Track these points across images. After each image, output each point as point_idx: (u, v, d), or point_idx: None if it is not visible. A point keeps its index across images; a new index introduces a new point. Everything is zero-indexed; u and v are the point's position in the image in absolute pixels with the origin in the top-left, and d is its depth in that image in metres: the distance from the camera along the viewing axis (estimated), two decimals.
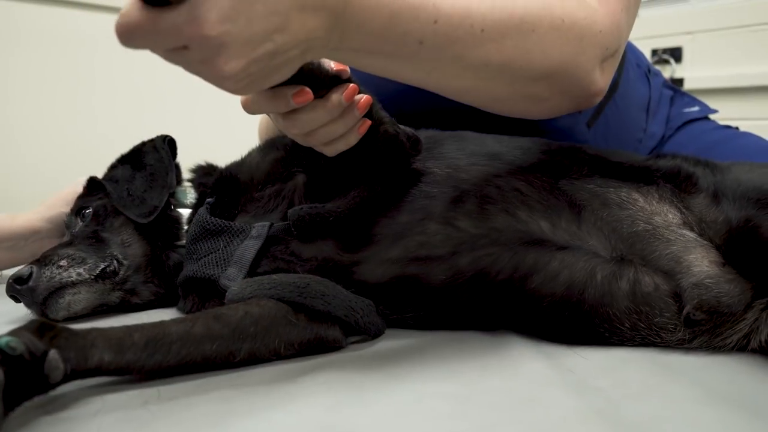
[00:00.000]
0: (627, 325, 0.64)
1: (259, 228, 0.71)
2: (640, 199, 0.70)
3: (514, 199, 0.69)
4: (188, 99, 2.04)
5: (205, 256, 0.73)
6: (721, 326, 0.63)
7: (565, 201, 0.69)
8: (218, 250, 0.72)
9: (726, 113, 1.41)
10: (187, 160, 0.91)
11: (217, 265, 0.71)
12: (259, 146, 0.83)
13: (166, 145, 0.86)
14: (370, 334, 0.67)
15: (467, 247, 0.67)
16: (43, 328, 0.52)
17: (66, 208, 0.87)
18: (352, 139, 0.65)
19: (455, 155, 0.75)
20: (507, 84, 0.66)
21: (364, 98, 0.62)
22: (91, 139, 1.95)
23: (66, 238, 0.82)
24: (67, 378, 0.51)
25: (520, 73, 0.65)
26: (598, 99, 0.73)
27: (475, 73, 0.63)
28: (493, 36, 0.61)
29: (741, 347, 0.63)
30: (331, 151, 0.66)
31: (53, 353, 0.50)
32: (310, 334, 0.63)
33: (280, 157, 0.78)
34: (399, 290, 0.69)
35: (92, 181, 0.88)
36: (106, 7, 1.94)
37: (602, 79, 0.72)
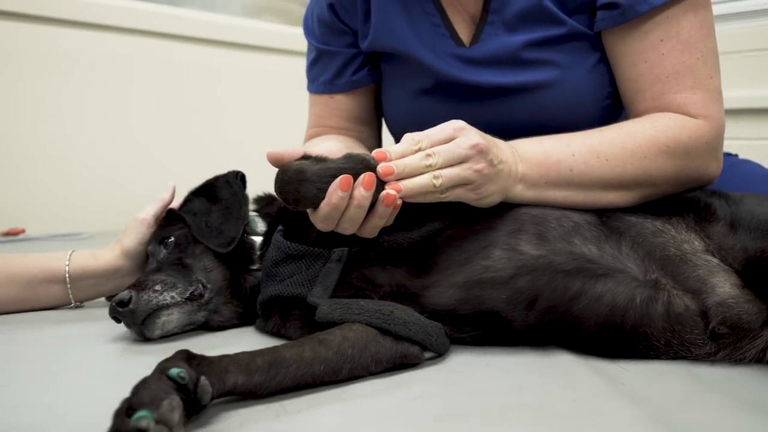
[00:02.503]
0: (662, 342, 0.75)
1: (339, 252, 0.80)
2: (672, 230, 0.81)
3: (569, 229, 0.80)
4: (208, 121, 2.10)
5: (288, 278, 0.81)
6: (742, 340, 0.74)
7: (608, 230, 0.81)
8: (301, 272, 0.81)
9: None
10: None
11: (303, 285, 0.80)
12: None
13: (238, 180, 0.95)
14: (441, 353, 0.77)
15: (526, 270, 0.77)
16: (189, 357, 0.60)
17: (138, 239, 0.95)
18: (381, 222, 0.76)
19: None
20: (640, 191, 0.87)
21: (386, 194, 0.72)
22: (109, 158, 2.00)
23: (153, 265, 0.89)
24: (212, 399, 0.60)
25: (646, 183, 0.86)
26: (716, 180, 0.92)
27: (615, 189, 0.85)
28: (617, 163, 0.84)
29: (758, 359, 0.74)
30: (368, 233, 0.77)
31: (203, 380, 0.58)
32: (395, 353, 0.73)
33: None
34: (463, 311, 0.78)
35: (170, 213, 0.95)
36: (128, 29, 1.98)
37: (716, 167, 0.90)
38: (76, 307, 0.98)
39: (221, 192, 0.94)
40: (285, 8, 2.43)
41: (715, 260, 0.78)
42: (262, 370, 0.63)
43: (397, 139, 1.15)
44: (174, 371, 0.55)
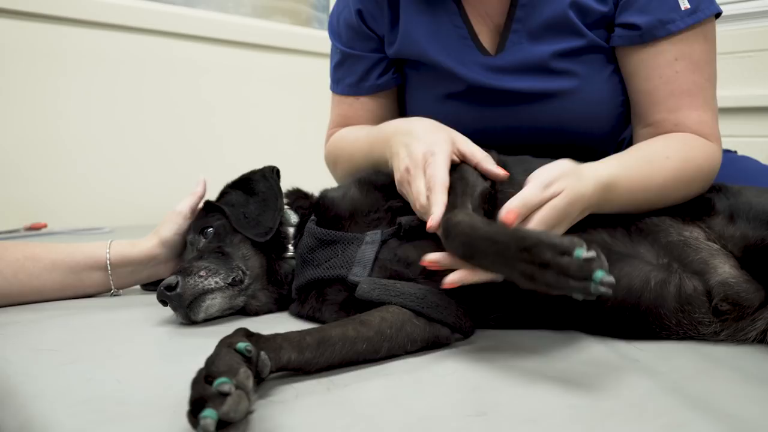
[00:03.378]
0: (674, 321, 0.81)
1: (372, 235, 0.87)
2: (672, 223, 0.88)
3: (582, 219, 0.86)
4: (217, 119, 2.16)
5: (325, 262, 0.88)
6: (743, 319, 0.80)
7: (613, 222, 0.87)
8: (337, 255, 0.87)
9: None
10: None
11: (341, 268, 0.86)
12: (356, 184, 0.96)
13: (273, 174, 1.01)
14: (468, 335, 0.83)
15: None
16: (248, 334, 0.66)
17: (175, 229, 1.01)
18: None
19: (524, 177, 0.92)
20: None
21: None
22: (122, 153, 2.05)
23: (193, 254, 0.95)
24: (270, 373, 0.66)
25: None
26: None
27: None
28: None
29: (759, 341, 0.81)
30: None
31: (263, 354, 0.64)
32: (429, 334, 0.79)
33: (381, 196, 0.93)
34: (489, 288, 0.83)
35: (208, 204, 1.01)
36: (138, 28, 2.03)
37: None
38: (114, 294, 1.04)
39: (258, 185, 1.00)
40: (294, 9, 2.48)
41: (716, 245, 0.84)
42: (312, 347, 0.69)
43: None
44: (241, 345, 0.61)
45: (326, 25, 2.58)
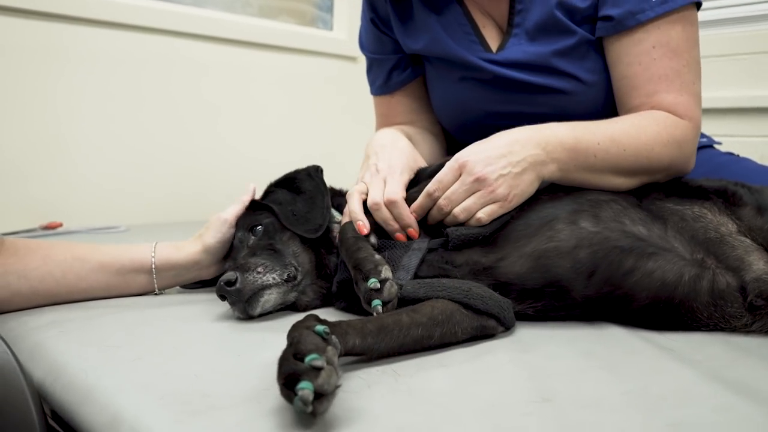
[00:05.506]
0: (705, 314, 0.86)
1: (419, 242, 0.91)
2: (708, 214, 0.93)
3: (619, 211, 0.92)
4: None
5: None
6: None
7: (653, 215, 0.92)
8: (384, 258, 0.91)
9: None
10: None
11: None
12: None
13: (318, 173, 1.04)
14: (510, 327, 0.88)
15: (586, 243, 0.88)
16: (319, 319, 0.69)
17: (219, 236, 1.03)
18: None
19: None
20: (639, 178, 1.00)
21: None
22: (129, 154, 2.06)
23: (244, 251, 0.98)
24: (339, 357, 0.69)
25: (647, 171, 0.99)
26: (690, 172, 1.07)
27: (623, 175, 0.98)
28: (631, 152, 0.97)
29: None
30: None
31: (334, 338, 0.67)
32: (477, 323, 0.83)
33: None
34: (531, 281, 0.88)
35: (254, 203, 1.04)
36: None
37: (693, 161, 1.05)
38: (158, 294, 1.06)
39: (303, 184, 1.04)
40: (299, 9, 2.51)
41: (748, 240, 0.89)
42: (373, 333, 0.73)
43: (444, 123, 1.30)
44: (320, 328, 0.64)
45: (330, 25, 2.63)
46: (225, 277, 0.88)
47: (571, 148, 0.94)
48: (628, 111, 1.08)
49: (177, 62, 2.11)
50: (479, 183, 0.88)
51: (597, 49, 1.12)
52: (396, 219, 0.94)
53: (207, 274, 1.07)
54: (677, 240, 0.90)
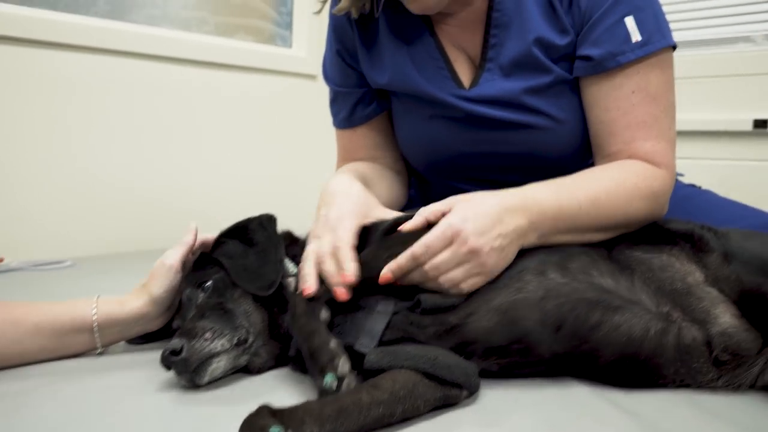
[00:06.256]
0: (672, 370, 0.84)
1: (384, 305, 0.86)
2: (676, 263, 0.91)
3: (588, 263, 0.89)
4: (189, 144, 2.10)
5: (335, 327, 0.86)
6: (741, 366, 0.84)
7: (620, 265, 0.90)
8: (346, 322, 0.86)
9: None
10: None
11: (348, 335, 0.85)
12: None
13: (271, 223, 0.99)
14: (474, 392, 0.83)
15: (554, 294, 0.85)
16: (273, 413, 0.65)
17: (166, 286, 0.97)
18: None
19: None
20: (618, 231, 0.99)
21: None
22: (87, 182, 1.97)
23: (192, 310, 0.92)
24: None
25: (625, 225, 0.97)
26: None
27: (602, 231, 0.96)
28: (612, 211, 0.95)
29: (752, 385, 0.84)
30: None
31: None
32: (441, 393, 0.79)
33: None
34: (499, 336, 0.84)
35: (203, 256, 0.98)
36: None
37: (666, 208, 1.03)
38: (101, 353, 0.99)
39: (256, 235, 0.98)
40: (257, 26, 2.44)
41: (715, 291, 0.88)
42: (332, 418, 0.69)
43: (411, 160, 1.25)
44: (275, 429, 0.60)
45: (289, 42, 2.57)
46: (170, 345, 0.82)
47: (553, 217, 0.91)
48: (606, 156, 1.06)
49: (128, 83, 2.02)
50: (471, 254, 0.84)
51: (573, 88, 1.09)
52: (337, 264, 0.88)
53: (154, 326, 1.00)
54: (644, 292, 0.88)
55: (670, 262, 0.91)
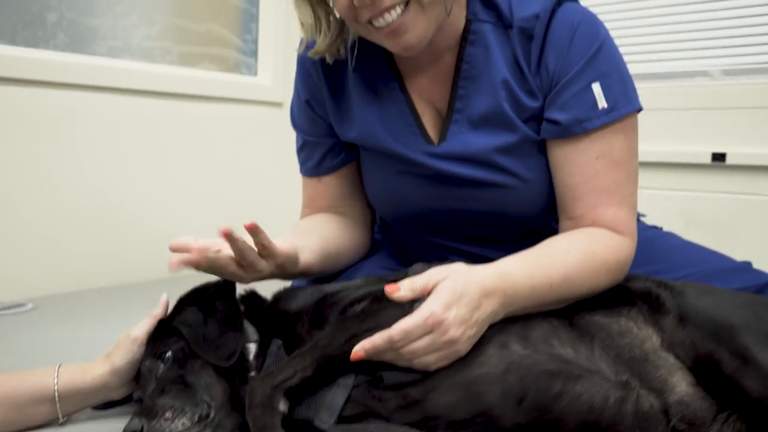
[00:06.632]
0: None
1: (345, 378, 0.86)
2: (634, 328, 0.92)
3: (549, 332, 0.90)
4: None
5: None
6: None
7: (580, 332, 0.91)
8: (305, 395, 0.86)
9: None
10: None
11: (308, 408, 0.85)
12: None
13: (231, 290, 0.98)
14: None
15: (516, 367, 0.86)
16: None
17: (129, 357, 0.96)
18: None
19: None
20: (582, 298, 0.99)
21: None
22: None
23: (152, 384, 0.90)
24: None
25: (591, 294, 0.99)
26: None
27: (567, 302, 0.97)
28: (581, 286, 0.97)
29: None
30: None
31: None
32: None
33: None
34: (462, 411, 0.84)
35: (164, 324, 0.97)
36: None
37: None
38: (63, 423, 0.97)
39: (215, 302, 0.96)
40: (222, 55, 2.42)
41: (672, 358, 0.89)
42: None
43: (379, 212, 1.27)
44: None
45: (254, 70, 2.56)
46: (129, 426, 0.81)
47: (524, 296, 0.91)
48: (569, 219, 1.07)
49: (90, 117, 1.98)
50: (448, 343, 0.83)
51: (540, 148, 1.09)
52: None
53: (116, 395, 0.99)
54: (603, 360, 0.89)
55: (628, 327, 0.92)
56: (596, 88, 1.02)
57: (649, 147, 1.97)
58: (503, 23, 1.07)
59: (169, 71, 2.20)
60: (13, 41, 1.85)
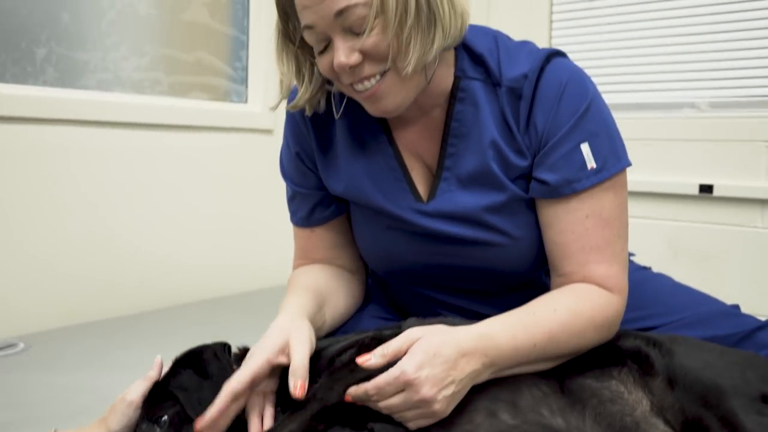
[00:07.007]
0: None
1: (337, 430, 0.87)
2: (625, 392, 0.94)
3: (539, 399, 0.91)
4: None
5: None
6: None
7: (571, 399, 0.92)
8: None
9: None
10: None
11: None
12: None
13: (225, 353, 0.98)
14: None
15: None
16: None
17: (125, 422, 0.95)
18: None
19: None
20: (570, 358, 1.01)
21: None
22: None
23: None
24: None
25: (577, 353, 1.01)
26: None
27: (554, 361, 0.99)
28: (566, 345, 0.98)
29: None
30: None
31: None
32: None
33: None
34: None
35: (159, 387, 0.97)
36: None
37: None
38: None
39: (210, 366, 0.97)
40: (212, 84, 2.43)
41: (662, 424, 0.90)
42: None
43: (370, 265, 1.28)
44: None
45: (244, 97, 2.56)
46: None
47: (508, 356, 0.92)
48: (560, 276, 1.07)
49: (80, 152, 1.98)
50: (422, 402, 0.84)
51: (529, 205, 1.10)
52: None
53: None
54: (594, 430, 0.90)
55: (619, 391, 0.93)
56: (585, 148, 1.03)
57: (638, 177, 2.00)
58: (492, 81, 1.08)
59: (160, 102, 2.20)
60: (2, 78, 1.84)
